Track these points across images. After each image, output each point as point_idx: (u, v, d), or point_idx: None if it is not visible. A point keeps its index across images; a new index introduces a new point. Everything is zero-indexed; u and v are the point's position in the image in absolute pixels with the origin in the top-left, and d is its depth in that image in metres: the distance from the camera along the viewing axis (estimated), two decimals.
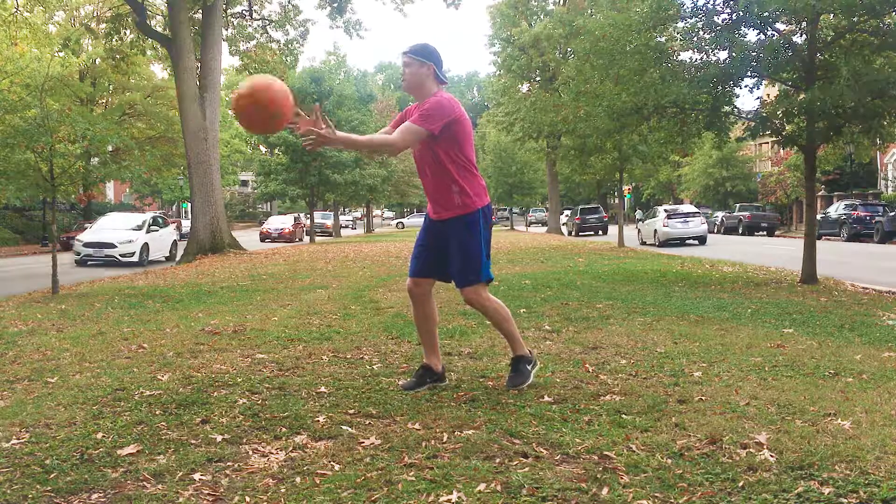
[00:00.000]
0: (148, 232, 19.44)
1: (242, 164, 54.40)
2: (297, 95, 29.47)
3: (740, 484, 2.52)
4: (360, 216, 61.81)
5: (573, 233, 35.63)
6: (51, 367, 4.77)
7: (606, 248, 19.64)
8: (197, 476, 2.71)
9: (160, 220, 21.25)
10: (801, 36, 9.73)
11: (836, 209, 26.42)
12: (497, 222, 63.56)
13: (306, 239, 33.74)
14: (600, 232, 34.63)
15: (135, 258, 18.26)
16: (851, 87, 7.90)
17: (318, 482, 2.63)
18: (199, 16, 20.63)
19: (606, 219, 35.89)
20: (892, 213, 22.72)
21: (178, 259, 19.35)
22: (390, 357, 4.81)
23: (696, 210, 25.43)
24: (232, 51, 23.89)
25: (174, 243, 21.40)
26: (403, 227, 60.39)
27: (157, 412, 3.56)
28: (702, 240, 23.71)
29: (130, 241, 18.51)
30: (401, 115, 3.94)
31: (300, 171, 29.26)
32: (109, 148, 18.73)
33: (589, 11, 24.35)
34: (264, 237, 33.61)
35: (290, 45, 24.76)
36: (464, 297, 3.89)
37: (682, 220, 23.72)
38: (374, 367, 4.54)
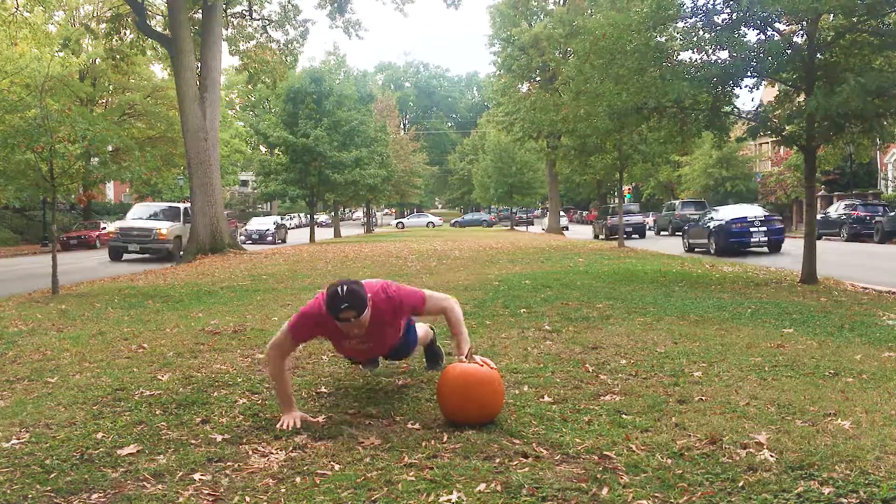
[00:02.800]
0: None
1: (242, 164, 54.35)
2: (297, 95, 29.54)
3: (740, 484, 2.52)
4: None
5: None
6: (51, 367, 4.78)
7: (606, 248, 19.63)
8: (197, 476, 2.71)
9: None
10: (801, 36, 9.73)
11: (836, 209, 26.40)
12: (496, 222, 63.58)
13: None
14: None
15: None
16: (859, 93, 7.90)
17: (318, 482, 2.63)
18: (199, 16, 20.63)
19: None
20: (892, 213, 22.72)
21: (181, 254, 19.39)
22: None
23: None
24: (232, 51, 23.87)
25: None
26: (403, 227, 60.37)
27: (157, 412, 3.56)
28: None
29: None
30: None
31: (300, 171, 29.25)
32: (109, 148, 18.76)
33: (589, 11, 24.36)
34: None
35: (289, 45, 24.74)
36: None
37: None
38: None
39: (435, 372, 4.17)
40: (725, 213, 19.48)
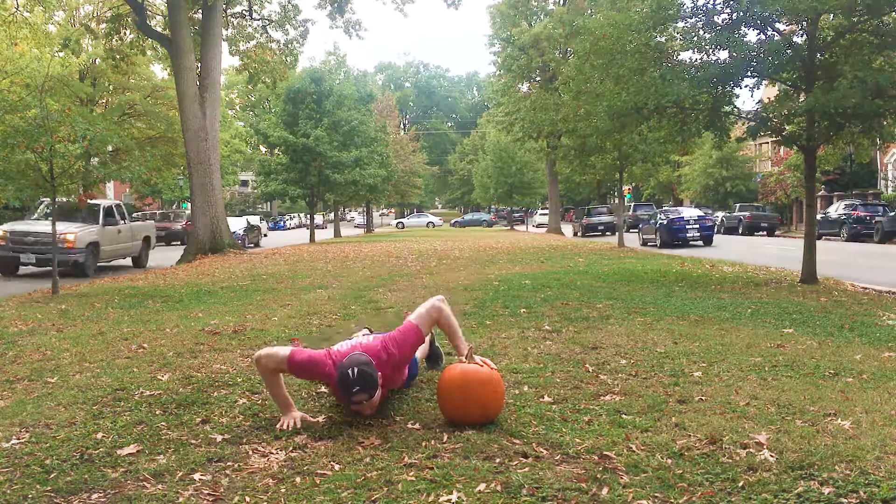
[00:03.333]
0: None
1: (242, 164, 54.38)
2: (298, 95, 29.53)
3: (740, 484, 2.52)
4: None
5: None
6: (51, 367, 4.77)
7: (606, 248, 19.64)
8: (197, 476, 2.71)
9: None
10: (801, 36, 9.73)
11: (836, 209, 26.41)
12: (496, 222, 63.55)
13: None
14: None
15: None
16: (856, 89, 7.90)
17: (318, 482, 2.63)
18: (199, 16, 20.62)
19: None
20: (893, 213, 22.72)
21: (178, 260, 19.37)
22: None
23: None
24: (232, 51, 23.86)
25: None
26: (403, 227, 60.35)
27: (157, 412, 3.56)
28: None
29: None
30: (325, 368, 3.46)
31: (300, 171, 29.24)
32: (109, 148, 18.73)
33: (589, 11, 24.35)
34: None
35: (289, 45, 24.73)
36: None
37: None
38: None
39: (435, 372, 4.17)
40: (669, 214, 24.35)
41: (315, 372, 3.40)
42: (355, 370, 3.18)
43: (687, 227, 22.71)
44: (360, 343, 3.55)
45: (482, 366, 3.33)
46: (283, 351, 3.44)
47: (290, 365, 3.38)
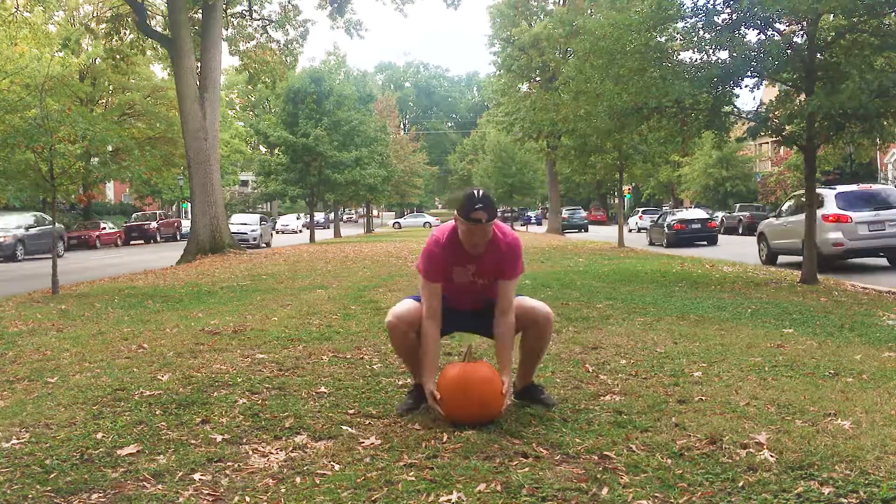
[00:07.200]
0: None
1: (242, 164, 54.37)
2: (297, 95, 29.53)
3: (740, 484, 2.52)
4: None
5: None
6: (51, 367, 4.77)
7: (606, 248, 19.64)
8: (197, 476, 2.71)
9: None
10: (801, 36, 9.73)
11: None
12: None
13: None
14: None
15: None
16: (863, 90, 7.89)
17: (318, 482, 2.63)
18: (199, 16, 20.62)
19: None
20: None
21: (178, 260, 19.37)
22: (390, 357, 4.80)
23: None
24: (232, 51, 23.87)
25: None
26: (400, 227, 60.35)
27: (157, 412, 3.56)
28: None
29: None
30: (442, 268, 3.45)
31: (300, 171, 29.24)
32: (109, 148, 18.72)
33: (589, 11, 24.34)
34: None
35: (289, 46, 24.74)
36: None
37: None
38: (374, 367, 4.54)
39: None
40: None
41: (436, 250, 3.44)
42: (480, 191, 3.31)
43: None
44: None
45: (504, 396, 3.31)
46: (414, 294, 3.59)
47: (425, 273, 3.44)
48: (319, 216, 51.26)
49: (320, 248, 22.62)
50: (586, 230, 41.46)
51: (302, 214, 58.99)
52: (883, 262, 13.23)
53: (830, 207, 12.40)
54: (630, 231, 36.73)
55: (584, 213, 46.75)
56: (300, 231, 49.61)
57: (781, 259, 14.02)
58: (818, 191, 12.06)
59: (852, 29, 9.22)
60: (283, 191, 30.68)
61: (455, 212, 3.36)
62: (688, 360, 4.52)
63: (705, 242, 23.62)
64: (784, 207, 14.33)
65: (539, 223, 57.76)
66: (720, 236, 26.34)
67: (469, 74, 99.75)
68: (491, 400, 3.25)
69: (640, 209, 46.33)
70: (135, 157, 18.18)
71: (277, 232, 46.50)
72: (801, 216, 11.42)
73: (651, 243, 25.43)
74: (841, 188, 13.21)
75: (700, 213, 26.45)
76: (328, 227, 52.76)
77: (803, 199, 10.79)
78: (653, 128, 11.21)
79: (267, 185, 31.62)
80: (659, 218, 28.26)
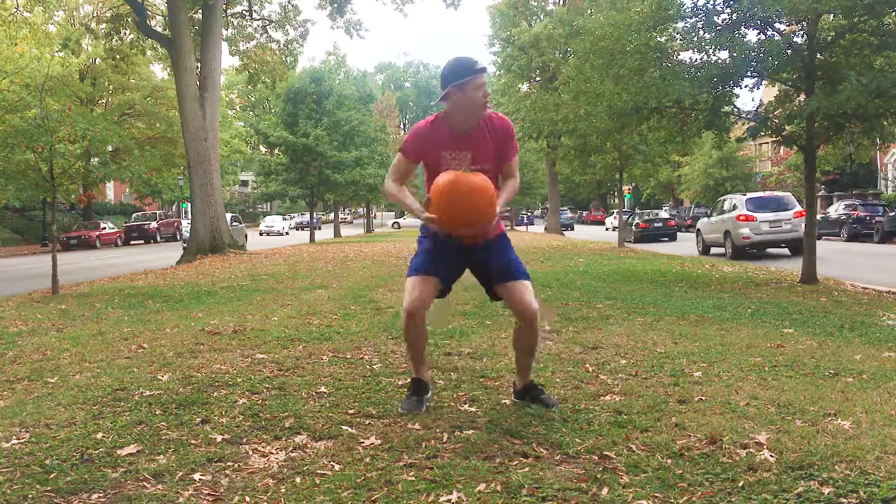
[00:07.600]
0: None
1: (242, 164, 54.40)
2: (297, 95, 29.53)
3: (740, 484, 2.51)
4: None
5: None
6: (51, 367, 4.77)
7: (607, 248, 19.64)
8: (197, 476, 2.71)
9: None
10: (801, 36, 9.73)
11: (836, 209, 26.38)
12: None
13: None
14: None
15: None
16: (862, 92, 7.90)
17: (318, 482, 2.62)
18: (199, 16, 20.62)
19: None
20: (893, 213, 22.70)
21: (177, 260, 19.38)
22: (390, 357, 4.80)
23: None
24: (232, 51, 23.87)
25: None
26: (400, 228, 60.33)
27: (157, 412, 3.56)
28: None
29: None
30: (416, 149, 3.47)
31: (300, 171, 29.24)
32: (109, 148, 18.71)
33: (589, 11, 24.32)
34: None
35: (289, 46, 24.75)
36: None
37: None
38: (374, 367, 4.54)
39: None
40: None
41: (421, 130, 3.44)
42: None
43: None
44: None
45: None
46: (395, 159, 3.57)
47: (404, 150, 3.48)
48: (306, 217, 50.87)
49: (320, 249, 22.62)
50: (572, 229, 45.75)
51: (290, 215, 58.92)
52: (785, 252, 16.89)
53: (742, 209, 16.44)
54: (607, 230, 40.98)
55: (569, 213, 52.49)
56: (286, 233, 46.93)
57: (714, 250, 17.98)
58: (731, 197, 17.25)
59: (852, 29, 9.22)
60: (283, 191, 30.69)
61: (448, 88, 3.29)
62: (688, 360, 4.52)
63: (667, 238, 27.79)
64: (717, 209, 18.23)
65: (532, 223, 58.21)
66: (679, 234, 29.79)
67: None
68: (484, 206, 3.29)
69: (615, 210, 47.05)
70: (135, 157, 18.14)
71: (261, 234, 43.79)
72: (724, 216, 17.13)
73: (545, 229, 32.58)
74: (751, 195, 17.67)
75: (662, 214, 31.64)
76: (319, 228, 51.98)
77: (722, 204, 17.10)
78: (653, 128, 11.21)
79: (267, 185, 31.62)
80: (629, 218, 31.50)
